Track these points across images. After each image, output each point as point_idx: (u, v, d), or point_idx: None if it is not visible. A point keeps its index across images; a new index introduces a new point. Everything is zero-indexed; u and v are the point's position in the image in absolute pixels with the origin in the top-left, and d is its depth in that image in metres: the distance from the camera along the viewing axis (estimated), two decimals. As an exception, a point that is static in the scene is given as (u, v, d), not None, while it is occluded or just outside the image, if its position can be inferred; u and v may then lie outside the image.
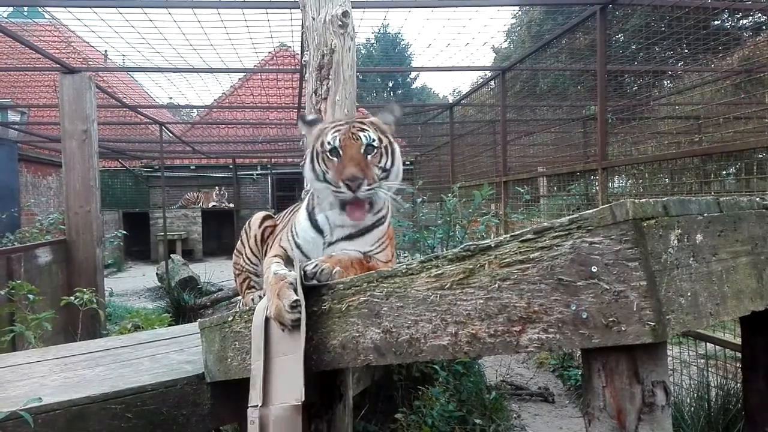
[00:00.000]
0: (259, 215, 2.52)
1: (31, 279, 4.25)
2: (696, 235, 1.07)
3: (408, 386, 3.36)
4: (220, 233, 16.36)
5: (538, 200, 7.91)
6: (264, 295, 1.71)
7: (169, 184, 15.09)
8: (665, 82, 8.33)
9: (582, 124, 7.56)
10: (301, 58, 3.84)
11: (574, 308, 1.00)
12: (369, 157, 1.79)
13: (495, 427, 3.48)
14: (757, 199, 1.34)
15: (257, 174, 17.03)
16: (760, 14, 7.26)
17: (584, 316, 0.99)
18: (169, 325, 4.37)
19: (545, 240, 1.04)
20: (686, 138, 6.68)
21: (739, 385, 2.99)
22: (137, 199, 16.34)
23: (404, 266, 1.30)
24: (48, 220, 7.03)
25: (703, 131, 6.12)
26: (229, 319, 1.86)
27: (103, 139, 9.70)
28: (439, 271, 1.21)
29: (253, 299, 2.32)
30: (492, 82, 8.29)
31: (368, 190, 1.73)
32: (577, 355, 4.63)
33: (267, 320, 1.57)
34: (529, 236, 1.07)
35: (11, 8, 5.73)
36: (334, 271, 1.56)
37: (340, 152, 1.78)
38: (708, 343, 3.65)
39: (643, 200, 1.00)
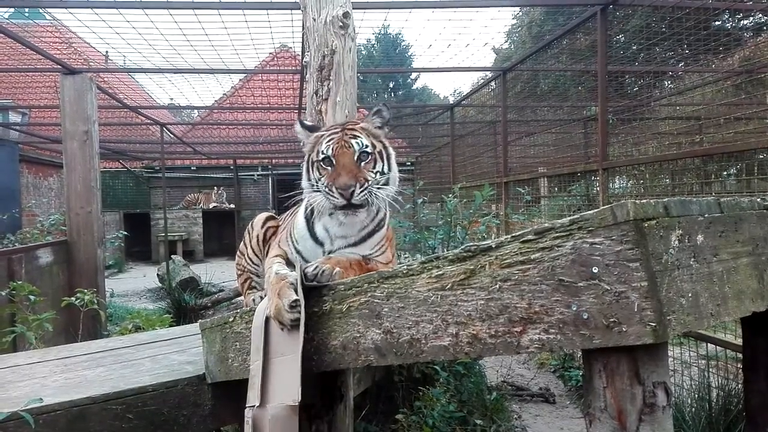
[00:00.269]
0: (261, 216, 2.53)
1: (32, 280, 4.25)
2: (697, 236, 1.07)
3: (409, 387, 3.36)
4: (221, 234, 16.37)
5: (538, 201, 7.91)
6: (265, 296, 1.72)
7: (169, 185, 15.11)
8: (666, 83, 8.33)
9: (583, 125, 7.56)
10: (302, 58, 3.84)
11: (575, 309, 1.00)
12: (362, 164, 1.81)
13: (496, 428, 3.48)
14: (758, 199, 1.34)
15: (258, 175, 17.04)
16: (760, 15, 7.26)
17: (585, 317, 0.99)
18: (170, 326, 4.36)
19: (546, 241, 1.04)
20: (687, 138, 6.66)
21: (740, 385, 2.99)
22: (138, 199, 16.34)
23: (405, 267, 1.30)
24: (49, 221, 7.02)
25: (703, 132, 6.11)
26: (230, 319, 1.86)
27: (104, 140, 9.71)
28: (440, 272, 1.22)
29: (254, 300, 2.32)
30: (493, 83, 8.28)
31: (362, 195, 1.75)
32: (578, 355, 4.62)
33: (267, 320, 1.58)
34: (530, 237, 1.07)
35: (12, 9, 5.73)
36: (334, 272, 1.57)
37: (333, 161, 1.80)
38: (709, 344, 3.65)
39: (644, 201, 1.00)
